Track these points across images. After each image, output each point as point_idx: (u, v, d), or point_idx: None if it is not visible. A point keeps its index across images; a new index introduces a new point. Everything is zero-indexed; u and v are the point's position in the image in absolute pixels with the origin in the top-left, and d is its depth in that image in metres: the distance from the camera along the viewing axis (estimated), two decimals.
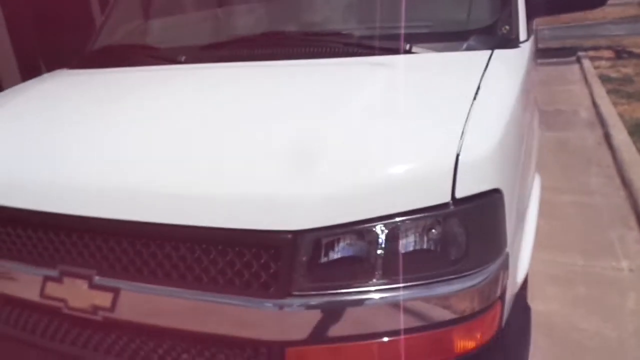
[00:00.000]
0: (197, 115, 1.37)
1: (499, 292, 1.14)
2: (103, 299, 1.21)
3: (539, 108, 6.35)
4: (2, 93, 1.90)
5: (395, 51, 1.52)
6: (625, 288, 2.72)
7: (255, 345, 1.11)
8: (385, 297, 1.06)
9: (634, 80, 7.54)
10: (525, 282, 1.44)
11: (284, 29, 1.75)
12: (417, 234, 1.06)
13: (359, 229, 1.05)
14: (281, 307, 1.06)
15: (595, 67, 8.88)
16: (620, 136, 4.98)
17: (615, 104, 6.40)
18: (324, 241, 1.05)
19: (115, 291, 1.19)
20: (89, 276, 1.21)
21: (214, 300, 1.10)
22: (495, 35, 1.61)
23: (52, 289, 1.27)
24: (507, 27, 1.64)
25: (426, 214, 1.05)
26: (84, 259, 1.23)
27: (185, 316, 1.14)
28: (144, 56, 1.90)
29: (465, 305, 1.08)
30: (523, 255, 1.41)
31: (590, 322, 2.47)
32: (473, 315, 1.10)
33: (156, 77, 1.72)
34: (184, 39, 1.92)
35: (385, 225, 1.05)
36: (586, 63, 9.20)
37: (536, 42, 3.02)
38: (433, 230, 1.06)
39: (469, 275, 1.07)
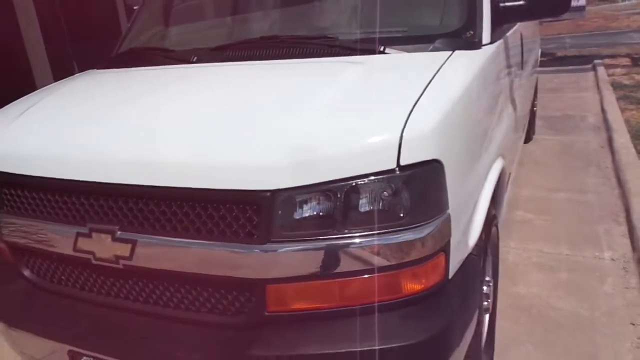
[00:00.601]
0: (199, 101, 1.68)
1: (441, 245, 1.40)
2: (124, 249, 1.50)
3: (548, 113, 6.54)
4: (44, 88, 2.23)
5: (371, 52, 1.79)
6: (604, 275, 2.91)
7: (243, 283, 1.39)
8: (346, 244, 1.32)
9: None
10: (477, 248, 1.68)
11: (277, 34, 2.05)
12: (371, 193, 1.32)
13: (324, 189, 1.32)
14: (262, 252, 1.33)
15: (610, 75, 8.96)
16: (622, 139, 5.13)
17: (623, 110, 6.52)
18: (297, 198, 1.32)
19: (133, 243, 1.48)
20: (112, 231, 1.51)
21: (210, 247, 1.38)
22: (459, 39, 1.87)
23: (83, 243, 1.57)
24: (471, 32, 1.90)
25: (377, 177, 1.31)
26: (108, 217, 1.52)
27: (188, 261, 1.42)
28: (161, 57, 2.22)
29: (410, 253, 1.34)
30: (474, 226, 1.65)
31: (566, 303, 2.67)
32: (418, 261, 1.35)
33: (170, 74, 2.03)
34: (195, 43, 2.24)
35: (345, 185, 1.31)
36: (601, 70, 9.28)
37: (530, 47, 3.25)
38: (383, 191, 1.32)
39: (413, 228, 1.33)
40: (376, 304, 1.38)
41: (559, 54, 13.42)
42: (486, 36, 1.93)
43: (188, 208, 1.40)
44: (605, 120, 6.03)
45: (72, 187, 1.58)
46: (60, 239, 1.63)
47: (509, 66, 2.32)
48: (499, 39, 2.12)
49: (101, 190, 1.52)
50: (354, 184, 1.31)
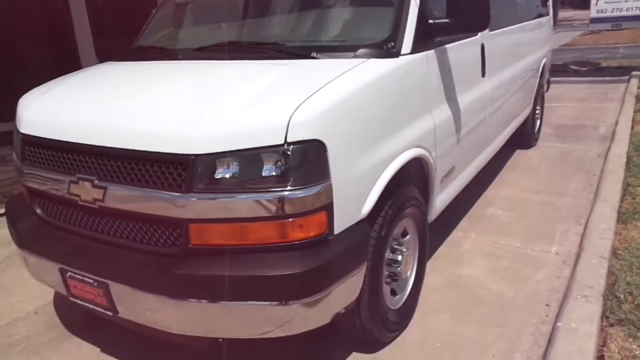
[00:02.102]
0: (167, 87, 2.21)
1: (322, 205, 1.85)
2: (99, 194, 2.04)
3: (562, 122, 6.72)
4: (67, 75, 2.84)
5: (304, 57, 2.26)
6: (542, 265, 3.24)
7: (174, 221, 1.89)
8: (246, 197, 1.80)
9: None
10: (371, 218, 2.12)
11: (240, 40, 2.57)
12: (265, 160, 1.79)
13: (233, 156, 1.80)
14: (185, 199, 1.84)
15: None
16: (617, 149, 5.31)
17: (638, 122, 6.60)
18: (212, 162, 1.81)
19: (105, 189, 2.02)
20: (92, 180, 2.06)
21: (150, 194, 1.90)
22: (381, 49, 2.30)
23: (73, 188, 2.13)
24: (392, 43, 2.33)
25: (271, 149, 1.78)
26: (90, 170, 2.07)
27: (135, 203, 1.94)
28: (159, 54, 2.78)
29: (293, 207, 1.80)
30: (369, 198, 2.08)
31: (497, 285, 3.03)
32: (300, 214, 1.81)
33: (160, 67, 2.58)
34: (184, 44, 2.79)
35: (248, 154, 1.79)
36: (632, 82, 9.24)
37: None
38: (274, 159, 1.79)
39: (296, 189, 1.79)
40: (271, 245, 1.86)
41: (604, 64, 13.24)
42: (406, 47, 2.35)
43: (139, 164, 1.93)
44: (614, 131, 6.16)
45: (68, 147, 2.14)
46: (59, 184, 2.20)
47: (445, 72, 2.71)
48: (428, 49, 2.53)
49: (86, 149, 2.07)
50: (254, 153, 1.79)
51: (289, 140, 1.78)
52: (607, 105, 7.89)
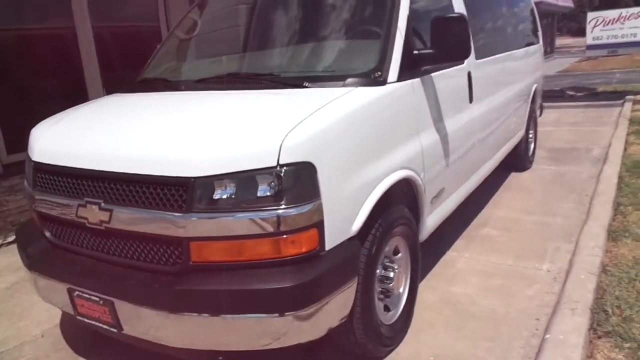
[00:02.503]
0: (169, 117, 2.38)
1: (313, 223, 1.99)
2: (105, 216, 2.18)
3: (556, 145, 6.89)
4: (77, 106, 3.02)
5: (297, 86, 2.44)
6: (533, 282, 3.34)
7: (175, 240, 2.03)
8: (242, 216, 1.94)
9: None
10: (362, 235, 2.25)
11: (239, 72, 2.76)
12: (260, 181, 1.93)
13: (230, 177, 1.95)
14: (185, 219, 1.97)
15: (634, 111, 9.10)
16: (610, 171, 5.44)
17: (631, 144, 6.77)
18: (210, 184, 1.96)
19: (111, 211, 2.16)
20: (99, 203, 2.20)
21: (153, 215, 2.04)
22: (368, 78, 2.47)
23: (81, 211, 2.27)
24: (379, 72, 2.50)
25: (265, 171, 1.93)
26: (97, 193, 2.21)
27: (139, 224, 2.08)
28: (163, 86, 2.97)
29: (286, 225, 1.93)
30: (358, 217, 2.21)
31: (489, 301, 3.13)
32: (293, 231, 1.94)
33: (164, 98, 2.76)
34: (186, 77, 2.97)
35: (244, 175, 1.94)
36: (626, 106, 9.43)
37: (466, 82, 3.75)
38: (268, 180, 1.93)
39: (288, 207, 1.93)
40: (266, 260, 1.99)
41: (599, 89, 13.47)
42: (392, 76, 2.52)
43: (143, 187, 2.07)
44: (607, 153, 6.30)
45: (77, 173, 2.29)
46: (68, 208, 2.34)
47: (431, 99, 2.87)
48: (414, 78, 2.69)
49: (93, 175, 2.22)
50: (249, 175, 1.94)
51: (281, 162, 1.92)
52: (601, 128, 8.06)
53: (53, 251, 2.50)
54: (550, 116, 9.60)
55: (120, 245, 2.21)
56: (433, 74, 2.91)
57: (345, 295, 2.17)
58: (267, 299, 1.96)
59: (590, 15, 26.18)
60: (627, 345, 2.56)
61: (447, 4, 3.38)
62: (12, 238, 4.79)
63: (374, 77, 2.49)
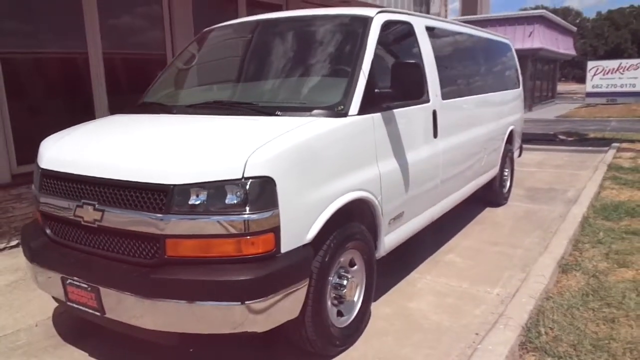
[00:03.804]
0: (157, 135, 2.80)
1: (270, 227, 2.37)
2: (98, 215, 2.58)
3: (535, 185, 7.31)
4: (81, 124, 3.45)
5: (270, 114, 2.87)
6: (482, 303, 3.68)
7: (153, 236, 2.41)
8: (211, 219, 2.33)
9: None
10: (317, 244, 2.62)
11: (221, 100, 3.21)
12: (228, 191, 2.33)
13: (203, 186, 2.34)
14: (164, 220, 2.37)
15: (616, 157, 9.50)
16: (576, 211, 5.80)
17: (605, 188, 7.14)
18: (186, 191, 2.35)
19: (103, 211, 2.56)
20: (94, 204, 2.60)
21: (138, 215, 2.43)
22: (332, 110, 2.90)
23: (78, 211, 2.67)
24: (342, 106, 2.93)
25: (232, 182, 2.33)
26: (92, 196, 2.61)
27: (125, 223, 2.47)
28: (158, 109, 3.41)
29: (246, 228, 2.32)
30: (312, 229, 2.59)
31: (438, 316, 3.47)
32: (252, 234, 2.33)
33: (156, 119, 3.20)
34: (178, 102, 3.43)
35: (214, 185, 2.33)
36: (610, 153, 9.83)
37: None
38: (234, 190, 2.33)
39: (249, 213, 2.32)
40: (230, 257, 2.36)
41: (591, 135, 13.91)
42: (354, 110, 2.95)
43: (130, 192, 2.47)
44: (580, 195, 6.67)
45: (76, 178, 2.70)
46: (67, 208, 2.74)
47: (392, 132, 3.28)
48: (374, 112, 3.11)
49: (90, 180, 2.63)
50: (219, 184, 2.34)
51: (245, 175, 2.32)
52: (581, 172, 8.44)
53: (51, 246, 2.88)
54: (536, 158, 10.02)
55: (108, 241, 2.60)
56: (395, 110, 3.33)
57: (298, 293, 2.53)
58: (228, 289, 2.33)
59: (591, 64, 27.12)
60: (549, 359, 2.89)
61: (415, 51, 3.83)
62: (14, 242, 5.18)
63: (337, 110, 2.91)
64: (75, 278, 2.65)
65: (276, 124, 2.73)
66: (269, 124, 2.74)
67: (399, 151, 3.40)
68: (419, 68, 3.07)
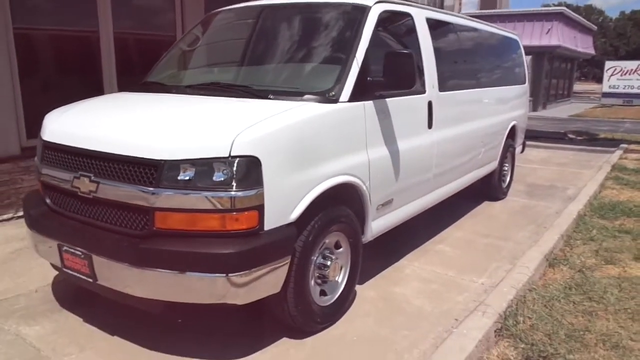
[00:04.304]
0: (154, 113, 2.93)
1: (254, 205, 2.48)
2: (93, 187, 2.71)
3: (536, 182, 7.37)
4: (85, 99, 3.59)
5: (263, 98, 2.97)
6: (465, 291, 3.77)
7: (144, 209, 2.54)
8: (198, 194, 2.45)
9: None
10: (301, 224, 2.73)
11: (218, 81, 3.32)
12: (215, 168, 2.45)
13: (192, 162, 2.46)
14: (154, 193, 2.49)
15: (622, 158, 9.47)
16: (572, 208, 5.85)
17: (606, 188, 7.16)
18: (176, 166, 2.47)
19: (98, 183, 2.69)
20: (89, 176, 2.73)
21: (130, 188, 2.56)
22: (322, 96, 2.99)
23: (75, 182, 2.81)
24: (333, 93, 3.02)
25: (219, 159, 2.44)
26: (89, 168, 2.74)
27: (118, 194, 2.60)
28: (158, 88, 3.53)
29: (232, 204, 2.43)
30: (297, 208, 2.70)
31: (420, 301, 3.57)
32: (237, 210, 2.44)
33: (156, 97, 3.32)
34: (178, 82, 3.55)
35: (202, 162, 2.45)
36: (616, 153, 9.79)
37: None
38: (221, 167, 2.45)
39: (235, 191, 2.44)
40: (215, 232, 2.49)
41: (601, 135, 13.83)
42: (345, 96, 3.04)
43: (124, 165, 2.60)
44: (580, 193, 6.70)
45: (74, 151, 2.83)
46: (65, 179, 2.88)
47: (383, 120, 3.37)
48: (366, 100, 3.20)
49: (87, 153, 2.76)
50: (207, 161, 2.45)
51: (232, 154, 2.43)
52: (584, 171, 8.44)
53: (50, 215, 3.03)
54: (541, 155, 10.02)
55: (102, 212, 2.73)
56: (388, 99, 3.42)
57: (280, 270, 2.65)
58: (212, 261, 2.45)
59: (608, 64, 26.81)
60: (522, 346, 2.98)
61: (413, 42, 3.90)
62: (22, 212, 5.37)
63: (328, 96, 3.00)
64: (70, 245, 2.79)
65: (267, 106, 2.83)
66: (260, 107, 2.84)
67: (390, 139, 3.49)
68: (411, 58, 3.14)
